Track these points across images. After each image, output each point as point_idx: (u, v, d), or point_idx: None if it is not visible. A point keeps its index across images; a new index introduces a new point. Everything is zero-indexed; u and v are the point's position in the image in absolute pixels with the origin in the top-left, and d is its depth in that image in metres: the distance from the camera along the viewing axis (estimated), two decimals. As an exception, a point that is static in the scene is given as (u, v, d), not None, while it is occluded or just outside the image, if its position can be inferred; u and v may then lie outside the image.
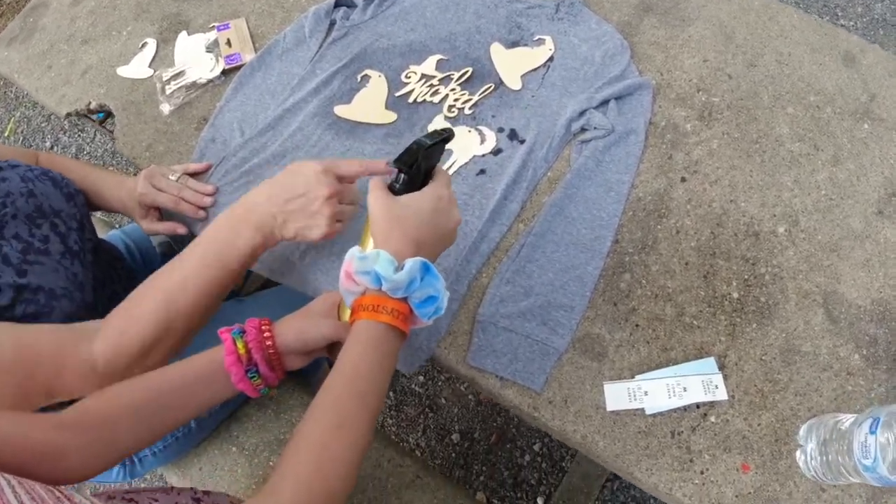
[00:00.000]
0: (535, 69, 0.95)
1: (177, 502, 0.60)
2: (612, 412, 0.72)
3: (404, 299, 0.59)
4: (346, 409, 0.55)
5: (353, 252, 0.59)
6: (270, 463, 0.93)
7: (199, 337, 0.71)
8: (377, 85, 0.96)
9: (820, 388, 0.71)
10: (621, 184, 0.84)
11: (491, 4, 1.01)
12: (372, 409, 0.57)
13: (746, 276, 0.78)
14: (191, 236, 0.88)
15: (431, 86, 0.95)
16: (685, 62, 0.93)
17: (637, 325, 0.76)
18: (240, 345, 0.63)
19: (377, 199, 0.62)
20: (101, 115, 1.08)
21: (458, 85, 0.95)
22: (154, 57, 1.06)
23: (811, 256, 0.78)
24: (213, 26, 1.06)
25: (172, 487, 0.63)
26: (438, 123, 0.92)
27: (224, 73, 1.02)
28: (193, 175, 0.90)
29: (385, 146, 0.91)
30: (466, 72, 0.95)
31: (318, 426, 0.54)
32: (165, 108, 1.00)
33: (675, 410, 0.71)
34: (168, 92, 1.01)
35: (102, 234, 1.02)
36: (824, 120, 0.87)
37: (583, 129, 0.88)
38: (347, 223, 0.76)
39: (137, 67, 1.06)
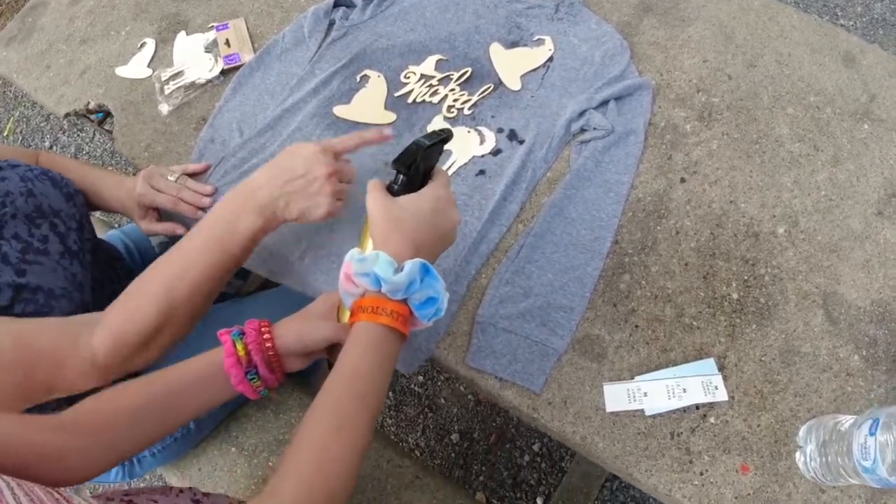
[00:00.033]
0: (534, 69, 0.94)
1: (176, 503, 0.60)
2: (612, 413, 0.72)
3: (404, 301, 0.59)
4: (346, 411, 0.55)
5: (353, 254, 0.59)
6: (270, 463, 0.93)
7: (199, 339, 0.71)
8: (376, 85, 0.96)
9: (819, 390, 0.71)
10: (621, 184, 0.84)
11: (490, 4, 1.01)
12: (372, 410, 0.57)
13: (746, 277, 0.78)
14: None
15: (431, 86, 0.95)
16: (685, 62, 0.93)
17: (637, 326, 0.76)
18: (239, 347, 0.63)
19: (376, 201, 0.62)
20: (100, 115, 1.08)
21: (458, 85, 0.94)
22: (153, 57, 1.06)
23: (811, 257, 0.78)
24: (212, 26, 1.06)
25: (171, 488, 0.63)
26: (438, 124, 0.92)
27: (223, 73, 1.01)
28: (192, 175, 0.90)
29: (384, 146, 0.91)
30: (466, 72, 0.95)
31: (319, 427, 0.54)
32: (164, 109, 1.00)
33: (674, 411, 0.71)
34: (167, 92, 1.01)
35: (102, 233, 1.02)
36: (824, 120, 0.87)
37: (582, 130, 0.88)
38: (347, 201, 0.76)
39: (136, 67, 1.06)
